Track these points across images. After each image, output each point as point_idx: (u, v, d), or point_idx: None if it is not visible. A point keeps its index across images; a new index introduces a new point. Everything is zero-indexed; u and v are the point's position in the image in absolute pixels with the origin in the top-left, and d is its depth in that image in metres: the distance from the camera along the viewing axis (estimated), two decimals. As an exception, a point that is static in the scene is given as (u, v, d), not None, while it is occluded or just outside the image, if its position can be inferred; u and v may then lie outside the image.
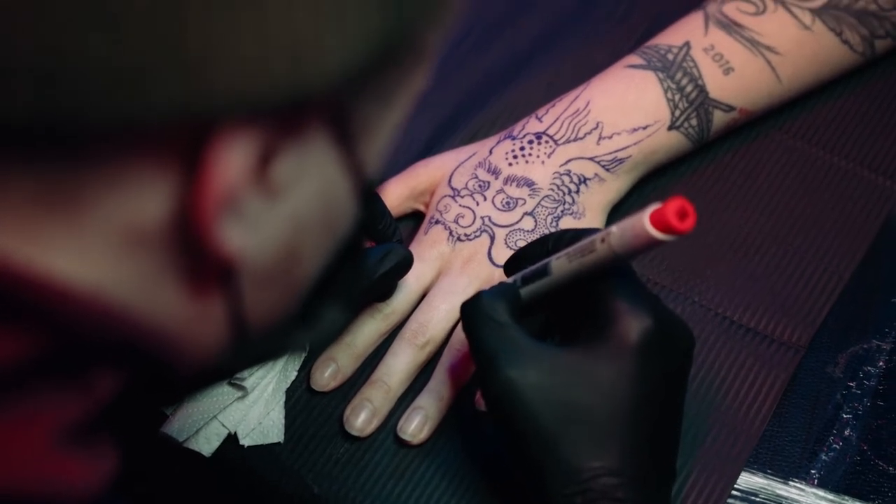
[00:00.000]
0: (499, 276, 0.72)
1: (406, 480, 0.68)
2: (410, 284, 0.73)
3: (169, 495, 0.72)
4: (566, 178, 0.75)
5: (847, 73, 0.82)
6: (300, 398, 0.71)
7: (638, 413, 0.59)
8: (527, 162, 0.75)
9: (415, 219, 0.78)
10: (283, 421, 0.70)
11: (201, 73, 0.32)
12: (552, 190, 0.75)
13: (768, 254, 0.76)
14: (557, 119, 0.77)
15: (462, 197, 0.75)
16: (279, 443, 0.69)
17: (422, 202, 0.78)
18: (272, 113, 0.34)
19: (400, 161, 0.79)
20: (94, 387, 0.40)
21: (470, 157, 0.77)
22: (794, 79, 0.80)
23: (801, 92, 0.81)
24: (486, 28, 0.88)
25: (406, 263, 0.70)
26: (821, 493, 0.67)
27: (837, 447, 0.69)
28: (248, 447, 0.69)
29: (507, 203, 0.74)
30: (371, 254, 0.69)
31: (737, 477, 0.67)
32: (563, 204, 0.74)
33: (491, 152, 0.76)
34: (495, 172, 0.75)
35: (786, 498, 0.67)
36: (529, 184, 0.75)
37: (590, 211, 0.75)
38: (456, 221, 0.74)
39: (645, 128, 0.76)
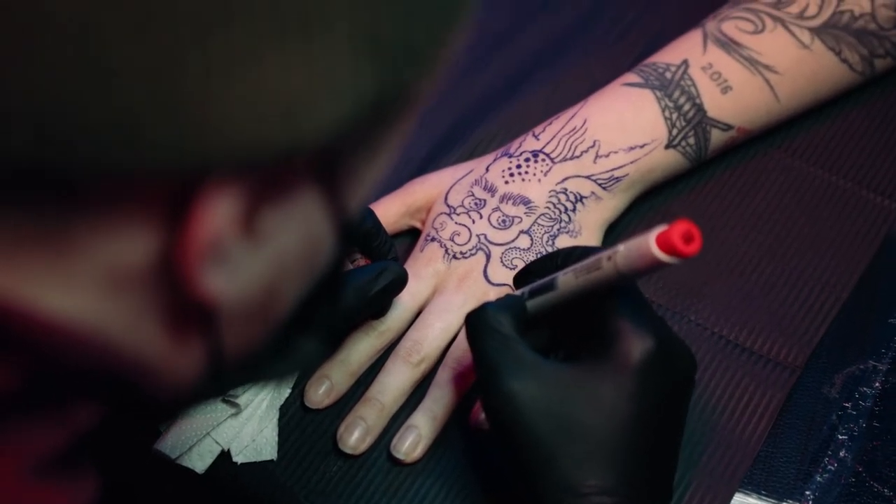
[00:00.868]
0: (494, 294, 0.72)
1: (399, 499, 0.68)
2: (405, 302, 0.73)
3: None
4: (563, 197, 0.75)
5: (846, 93, 0.82)
6: (294, 415, 0.71)
7: (637, 433, 0.59)
8: (523, 180, 0.75)
9: (411, 236, 0.78)
10: (276, 438, 0.69)
11: (194, 129, 0.32)
12: (548, 208, 0.74)
13: (765, 273, 0.76)
14: (554, 137, 0.76)
15: (458, 214, 0.75)
16: (272, 460, 0.69)
17: (418, 219, 0.77)
18: (261, 167, 0.35)
19: (397, 177, 0.79)
20: (73, 417, 0.40)
21: (466, 174, 0.77)
22: (793, 98, 0.79)
23: (799, 111, 0.81)
24: (486, 45, 0.88)
25: (401, 281, 0.70)
26: (815, 514, 0.67)
27: (832, 468, 0.69)
28: (242, 464, 0.69)
29: (504, 221, 0.74)
30: (366, 271, 0.69)
31: (731, 497, 0.67)
32: (560, 222, 0.74)
33: (487, 170, 0.76)
34: (492, 190, 0.75)
35: (780, 519, 0.67)
36: (526, 202, 0.75)
37: (586, 229, 0.75)
38: (452, 239, 0.74)
39: (642, 146, 0.76)
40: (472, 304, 0.72)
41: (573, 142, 0.76)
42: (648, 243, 0.56)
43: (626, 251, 0.57)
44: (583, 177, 0.75)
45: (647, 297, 0.74)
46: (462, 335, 0.72)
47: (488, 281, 0.73)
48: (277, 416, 0.70)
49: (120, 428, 0.45)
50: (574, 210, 0.75)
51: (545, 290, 0.63)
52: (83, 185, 0.33)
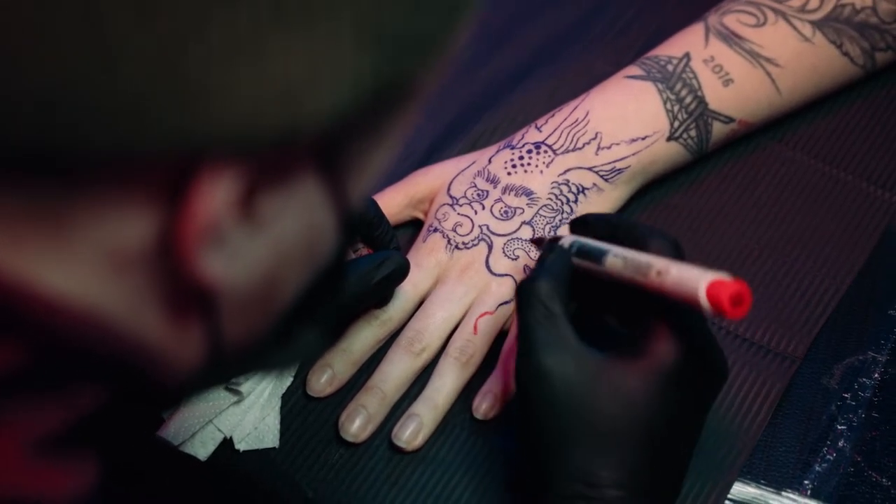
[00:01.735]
0: (496, 285, 0.73)
1: (400, 486, 0.68)
2: (407, 292, 0.73)
3: (164, 499, 0.73)
4: (564, 188, 0.75)
5: (848, 86, 0.83)
6: (296, 403, 0.71)
7: (657, 434, 0.59)
8: (525, 171, 0.76)
9: (414, 227, 0.79)
10: (278, 426, 0.70)
11: (195, 111, 0.33)
12: (550, 199, 0.75)
13: (766, 265, 0.76)
14: (556, 129, 0.77)
15: (461, 205, 0.75)
16: (274, 448, 0.69)
17: (421, 210, 0.78)
18: (261, 150, 0.35)
19: (400, 169, 0.80)
20: (74, 400, 0.40)
21: (469, 165, 0.77)
22: (794, 91, 0.80)
23: (801, 104, 0.81)
24: (488, 40, 0.89)
25: (402, 271, 0.70)
26: (813, 503, 0.67)
27: (831, 458, 0.69)
28: (244, 452, 0.69)
29: (506, 212, 0.75)
30: (368, 260, 0.69)
31: (730, 486, 0.67)
32: (562, 213, 0.75)
33: (490, 161, 0.77)
34: (494, 181, 0.76)
35: (779, 508, 0.67)
36: (528, 193, 0.75)
37: (588, 221, 0.75)
38: (454, 230, 0.75)
39: (644, 138, 0.76)
40: (473, 294, 0.73)
41: (575, 134, 0.76)
42: (697, 288, 0.55)
43: (676, 279, 0.56)
44: (585, 168, 0.76)
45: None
46: (464, 325, 0.72)
47: (490, 271, 0.73)
48: (279, 404, 0.71)
49: (122, 414, 0.45)
50: (576, 201, 0.75)
51: (592, 258, 0.63)
52: (84, 167, 0.33)
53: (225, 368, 0.44)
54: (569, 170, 0.76)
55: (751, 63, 0.78)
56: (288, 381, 0.71)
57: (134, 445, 0.68)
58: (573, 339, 0.61)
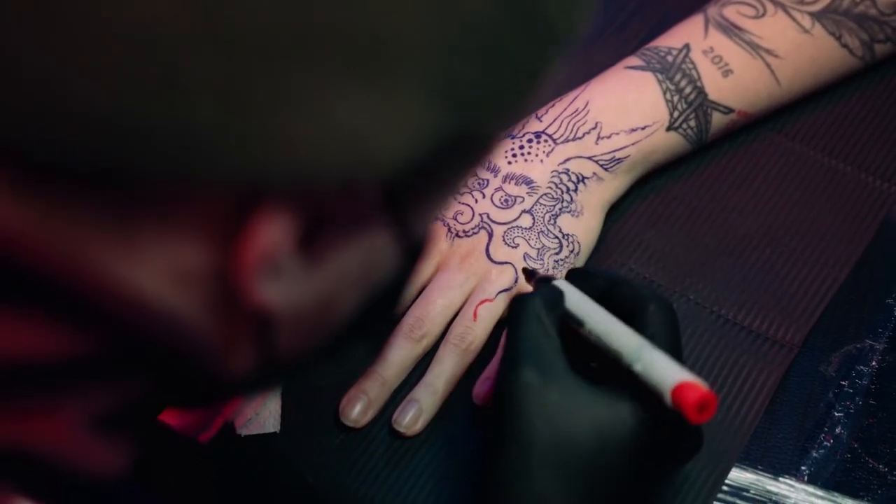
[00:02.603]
0: (496, 273, 0.73)
1: (400, 471, 0.69)
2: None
3: (164, 483, 0.73)
4: (564, 177, 0.76)
5: (847, 77, 0.83)
6: (297, 389, 0.71)
7: (624, 477, 0.59)
8: (526, 160, 0.76)
9: (415, 216, 0.79)
10: (280, 412, 0.70)
11: (257, 151, 0.34)
12: (550, 188, 0.75)
13: (764, 254, 0.77)
14: (557, 119, 0.77)
15: (461, 194, 0.76)
16: (275, 433, 0.70)
17: (422, 199, 0.78)
18: (321, 193, 0.36)
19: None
20: (125, 389, 0.42)
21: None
22: (793, 82, 0.80)
23: (800, 95, 0.82)
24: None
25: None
26: (811, 489, 0.68)
27: (828, 444, 0.69)
28: (245, 436, 0.70)
29: (506, 200, 0.75)
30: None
31: (727, 472, 0.68)
32: (562, 202, 0.75)
33: (491, 151, 0.77)
34: (494, 170, 0.76)
35: (776, 494, 0.68)
36: (528, 182, 0.76)
37: (588, 209, 0.76)
38: (455, 218, 0.75)
39: (643, 128, 0.77)
40: (474, 282, 0.73)
41: (575, 123, 0.77)
42: (663, 389, 0.56)
43: (644, 372, 0.58)
44: (584, 158, 0.76)
45: (646, 276, 0.75)
46: (464, 312, 0.73)
47: (490, 259, 0.74)
48: (281, 389, 0.71)
49: (162, 405, 0.47)
50: (576, 190, 0.76)
51: (572, 319, 0.63)
52: (146, 192, 0.35)
53: (273, 378, 0.46)
54: (569, 159, 0.76)
55: (750, 54, 0.79)
56: (289, 366, 0.72)
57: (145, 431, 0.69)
58: (562, 365, 0.60)
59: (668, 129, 0.77)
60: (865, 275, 0.76)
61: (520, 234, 0.74)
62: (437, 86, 0.35)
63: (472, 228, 0.75)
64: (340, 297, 0.41)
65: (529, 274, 0.70)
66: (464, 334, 0.72)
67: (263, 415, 0.70)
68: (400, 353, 0.71)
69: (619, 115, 0.77)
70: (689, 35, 0.80)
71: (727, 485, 0.68)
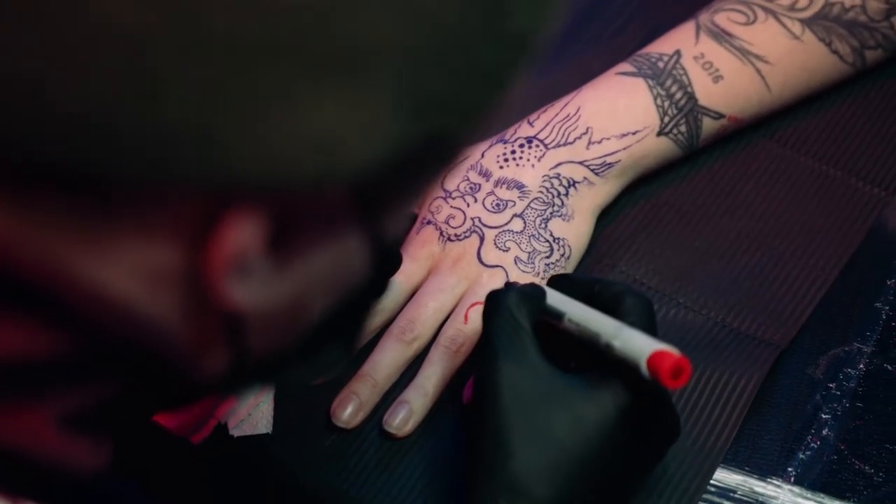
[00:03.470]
0: (487, 276, 0.74)
1: (390, 472, 0.70)
2: (400, 283, 0.75)
3: (156, 483, 0.74)
4: (556, 182, 0.77)
5: (838, 84, 0.84)
6: (289, 391, 0.72)
7: (601, 466, 0.60)
8: (517, 165, 0.77)
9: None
10: (272, 413, 0.71)
11: (230, 153, 0.34)
12: (541, 192, 0.76)
13: (754, 258, 0.77)
14: (548, 124, 0.78)
15: (453, 198, 0.77)
16: (268, 433, 0.71)
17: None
18: (291, 195, 0.37)
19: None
20: (100, 387, 0.43)
21: (462, 159, 0.79)
22: (784, 88, 0.81)
23: (791, 101, 0.82)
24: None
25: (395, 262, 0.71)
26: (797, 490, 0.68)
27: (815, 446, 0.70)
28: (237, 437, 0.70)
29: (497, 205, 0.76)
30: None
31: (713, 471, 0.68)
32: (553, 206, 0.76)
33: (483, 155, 0.78)
34: (486, 175, 0.77)
35: (762, 495, 0.68)
36: (519, 186, 0.76)
37: (579, 214, 0.77)
38: (447, 222, 0.76)
39: (634, 133, 0.78)
40: (465, 286, 0.74)
41: (566, 128, 0.78)
42: (639, 361, 0.58)
43: (621, 349, 0.59)
44: (576, 162, 0.77)
45: (637, 279, 0.76)
46: (455, 315, 0.73)
47: (482, 262, 0.75)
48: (273, 391, 0.72)
49: (137, 405, 0.48)
50: (567, 195, 0.76)
51: (553, 316, 0.64)
52: (119, 192, 0.35)
53: (247, 379, 0.46)
54: (560, 164, 0.77)
55: (740, 60, 0.79)
56: (281, 368, 0.73)
57: (129, 431, 0.70)
58: (535, 354, 0.62)
59: (659, 134, 0.78)
60: (854, 278, 0.77)
61: (511, 238, 0.75)
62: (405, 90, 0.35)
63: (464, 232, 0.76)
64: (311, 298, 0.41)
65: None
66: (454, 337, 0.72)
67: (256, 416, 0.71)
68: (391, 356, 0.72)
69: (609, 120, 0.78)
70: (680, 41, 0.80)
71: (714, 485, 0.68)
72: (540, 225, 0.75)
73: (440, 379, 0.72)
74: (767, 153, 0.82)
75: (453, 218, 0.76)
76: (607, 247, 0.78)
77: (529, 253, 0.75)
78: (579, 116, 0.78)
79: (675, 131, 0.78)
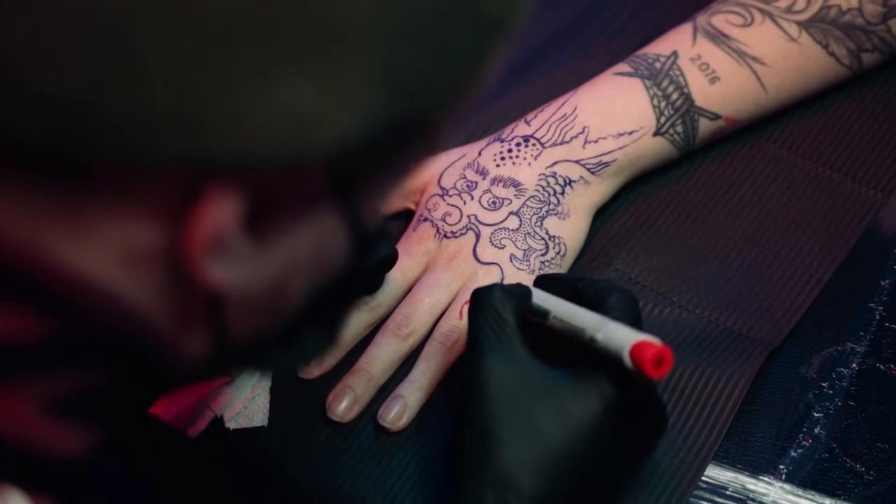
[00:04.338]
0: (482, 273, 0.75)
1: (384, 466, 0.70)
2: (397, 279, 0.75)
3: (152, 475, 0.75)
4: (552, 180, 0.77)
5: (835, 86, 0.84)
6: (285, 384, 0.73)
7: (589, 459, 0.60)
8: (514, 163, 0.78)
9: (406, 218, 0.80)
10: (268, 406, 0.72)
11: (205, 132, 0.35)
12: (538, 191, 0.77)
13: (749, 257, 0.78)
14: (545, 123, 0.79)
15: (450, 196, 0.77)
16: (263, 427, 0.71)
17: (412, 201, 0.80)
18: (269, 173, 0.37)
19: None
20: (83, 372, 0.43)
21: (460, 158, 0.79)
22: (781, 89, 0.81)
23: (787, 102, 0.83)
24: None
25: (391, 258, 0.72)
26: (788, 487, 0.69)
27: (807, 444, 0.70)
28: (234, 430, 0.71)
29: (494, 202, 0.77)
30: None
31: (704, 467, 0.68)
32: (549, 204, 0.76)
33: (480, 154, 0.79)
34: (483, 173, 0.78)
35: (753, 492, 0.69)
36: (516, 184, 0.77)
37: (574, 212, 0.77)
38: (443, 219, 0.77)
39: (630, 133, 0.78)
40: (460, 282, 0.75)
41: (563, 127, 0.78)
42: (622, 352, 0.59)
43: (605, 341, 0.60)
44: (572, 161, 0.78)
45: (631, 277, 0.76)
46: (450, 311, 0.74)
47: (477, 259, 0.75)
48: (269, 384, 0.73)
49: (124, 392, 0.48)
50: (563, 193, 0.77)
51: (539, 315, 0.65)
52: (98, 171, 0.36)
53: (228, 363, 0.46)
54: (556, 162, 0.77)
55: (737, 61, 0.80)
56: (277, 362, 0.73)
57: (127, 422, 0.70)
58: (521, 348, 0.63)
59: (655, 134, 0.79)
60: (848, 279, 0.77)
61: (506, 236, 0.76)
62: (380, 69, 0.36)
63: (460, 229, 0.76)
64: (291, 280, 0.42)
65: None
66: (449, 332, 0.73)
67: (252, 409, 0.72)
68: (386, 350, 0.73)
69: (606, 119, 0.78)
70: (677, 42, 0.81)
71: (706, 482, 0.69)
72: (536, 223, 0.76)
73: (435, 374, 0.72)
74: (764, 154, 0.83)
75: (450, 215, 0.77)
76: (602, 245, 0.79)
77: (525, 250, 0.75)
78: (576, 116, 0.79)
79: (671, 132, 0.79)
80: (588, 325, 0.61)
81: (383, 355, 0.72)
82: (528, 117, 0.80)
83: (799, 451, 0.70)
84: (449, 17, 0.37)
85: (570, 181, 0.77)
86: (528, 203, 0.76)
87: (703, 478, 0.69)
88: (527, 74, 0.88)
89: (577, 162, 0.78)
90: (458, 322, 0.73)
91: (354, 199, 0.41)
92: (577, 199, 0.77)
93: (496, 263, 0.75)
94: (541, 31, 0.91)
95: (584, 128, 0.78)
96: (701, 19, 0.82)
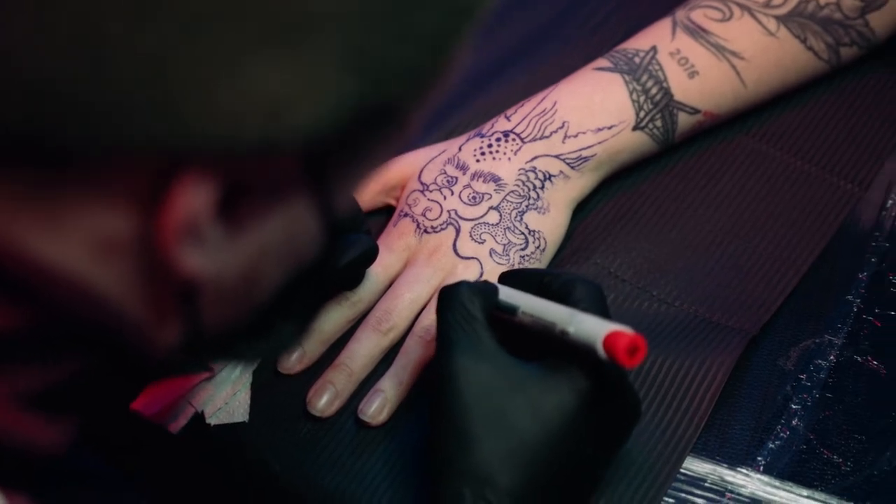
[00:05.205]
0: (462, 267, 0.75)
1: (364, 460, 0.70)
2: (378, 274, 0.75)
3: (134, 471, 0.75)
4: (532, 175, 0.77)
5: (814, 80, 0.85)
6: (266, 380, 0.73)
7: (564, 452, 0.61)
8: (494, 158, 0.78)
9: (386, 214, 0.81)
10: (248, 401, 0.72)
11: (176, 119, 0.35)
12: (517, 186, 0.77)
13: (728, 250, 0.78)
14: (525, 118, 0.79)
15: (430, 191, 0.78)
16: (244, 422, 0.71)
17: (393, 197, 0.80)
18: (241, 160, 0.37)
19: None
20: (59, 364, 0.43)
21: (440, 153, 0.80)
22: (759, 83, 0.82)
23: (766, 97, 0.83)
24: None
25: (371, 253, 0.72)
26: (766, 478, 0.69)
27: (785, 436, 0.71)
28: (214, 426, 0.71)
29: (474, 197, 0.77)
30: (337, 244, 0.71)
31: (683, 459, 0.69)
32: (528, 199, 0.77)
33: (460, 149, 0.79)
34: (463, 168, 0.78)
35: (732, 483, 0.69)
36: (496, 179, 0.77)
37: (554, 207, 0.77)
38: (424, 214, 0.77)
39: (610, 128, 0.78)
40: (441, 277, 0.75)
41: (543, 122, 0.79)
42: (595, 343, 0.59)
43: (576, 334, 0.60)
44: (552, 156, 0.78)
45: (611, 272, 0.77)
46: (430, 306, 0.74)
47: (457, 254, 0.75)
48: (250, 380, 0.73)
49: (101, 384, 0.48)
50: (542, 188, 0.77)
51: (507, 311, 0.65)
52: (70, 159, 0.36)
53: (202, 353, 0.47)
54: (536, 157, 0.78)
55: (716, 56, 0.80)
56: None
57: (108, 417, 0.71)
58: (491, 343, 0.63)
59: (635, 128, 0.79)
60: (826, 272, 0.77)
61: (486, 231, 0.76)
62: (351, 55, 0.36)
63: (441, 224, 0.76)
64: (264, 268, 0.42)
65: None
66: (430, 327, 0.73)
67: (233, 405, 0.72)
68: (367, 345, 0.73)
69: (585, 114, 0.79)
70: (656, 37, 0.81)
71: (684, 474, 0.69)
72: (515, 217, 0.76)
73: (415, 368, 0.72)
74: (743, 148, 0.83)
75: (430, 210, 0.77)
76: (582, 239, 0.79)
77: (505, 245, 0.75)
78: (556, 111, 0.79)
79: (650, 126, 0.79)
80: (558, 318, 0.61)
81: (364, 350, 0.73)
82: (508, 112, 0.80)
83: (777, 442, 0.70)
84: (419, 2, 0.37)
85: (550, 176, 0.78)
86: (508, 198, 0.77)
87: (682, 470, 0.69)
88: (507, 72, 0.89)
89: (556, 157, 0.78)
90: (438, 317, 0.73)
91: (326, 185, 0.41)
92: (557, 194, 0.78)
93: (476, 258, 0.75)
94: (522, 26, 0.92)
95: (563, 123, 0.78)
96: (680, 14, 0.82)
